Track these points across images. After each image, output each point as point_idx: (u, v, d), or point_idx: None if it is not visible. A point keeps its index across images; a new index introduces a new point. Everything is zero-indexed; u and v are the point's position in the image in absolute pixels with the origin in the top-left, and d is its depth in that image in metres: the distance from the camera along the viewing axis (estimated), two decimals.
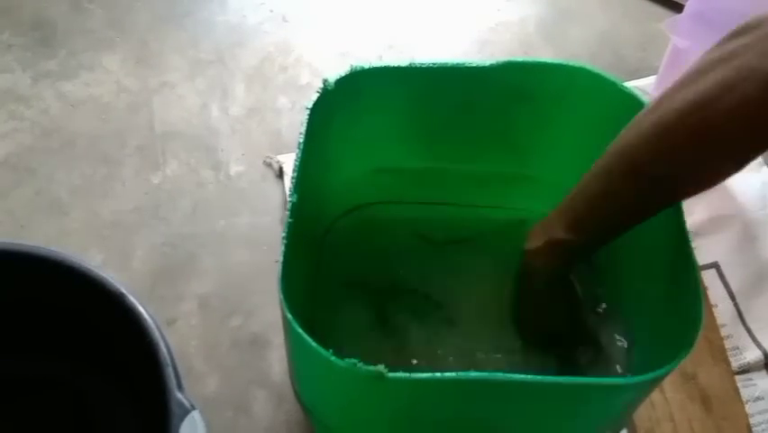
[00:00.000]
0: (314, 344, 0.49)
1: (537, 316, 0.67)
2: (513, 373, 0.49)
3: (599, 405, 0.55)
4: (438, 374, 0.48)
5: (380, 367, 0.48)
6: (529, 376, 0.49)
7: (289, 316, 0.50)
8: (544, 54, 1.02)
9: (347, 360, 0.48)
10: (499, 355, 0.70)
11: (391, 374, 0.48)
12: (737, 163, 0.49)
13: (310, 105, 0.61)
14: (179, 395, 0.50)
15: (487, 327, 0.72)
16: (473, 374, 0.48)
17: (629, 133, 0.52)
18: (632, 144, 0.52)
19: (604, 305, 0.72)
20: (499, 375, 0.49)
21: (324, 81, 0.62)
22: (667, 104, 0.49)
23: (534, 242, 0.61)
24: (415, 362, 0.70)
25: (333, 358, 0.48)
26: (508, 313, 0.69)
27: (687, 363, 0.74)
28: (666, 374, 0.50)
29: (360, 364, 0.48)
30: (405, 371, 0.48)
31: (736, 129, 0.46)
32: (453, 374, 0.48)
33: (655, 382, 0.53)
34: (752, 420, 0.72)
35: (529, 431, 0.59)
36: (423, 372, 0.49)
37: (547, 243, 0.60)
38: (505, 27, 1.06)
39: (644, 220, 0.55)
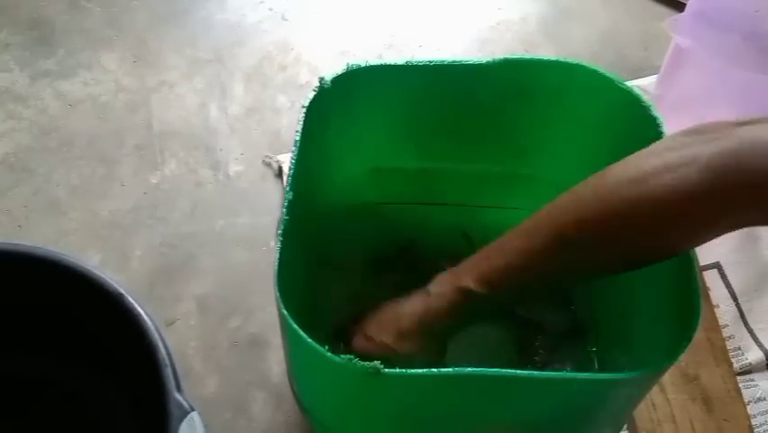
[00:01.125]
0: (309, 340, 0.49)
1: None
2: (509, 369, 0.49)
3: (598, 401, 0.55)
4: (434, 370, 0.48)
5: (376, 363, 0.48)
6: (526, 372, 0.48)
7: (285, 312, 0.50)
8: (546, 53, 1.02)
9: (343, 356, 0.48)
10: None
11: (387, 370, 0.48)
12: (657, 252, 0.49)
13: (306, 104, 0.61)
14: (178, 396, 0.50)
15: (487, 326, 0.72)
16: (469, 370, 0.48)
17: (563, 197, 0.52)
18: (563, 207, 0.52)
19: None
20: (496, 371, 0.49)
21: (321, 80, 0.62)
22: (609, 175, 0.50)
23: (440, 286, 0.58)
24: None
25: (329, 354, 0.48)
26: None
27: (688, 363, 0.74)
28: (664, 370, 0.50)
29: (356, 361, 0.48)
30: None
31: (669, 207, 0.46)
32: (450, 370, 0.48)
33: (653, 378, 0.53)
34: (753, 421, 0.72)
35: (527, 428, 0.58)
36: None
37: (454, 289, 0.57)
38: (506, 26, 1.06)
39: (557, 286, 0.55)
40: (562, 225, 0.51)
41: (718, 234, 0.47)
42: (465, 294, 0.56)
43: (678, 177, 0.45)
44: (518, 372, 0.48)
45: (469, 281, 0.56)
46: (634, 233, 0.48)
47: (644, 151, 0.49)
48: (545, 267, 0.53)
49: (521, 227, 0.54)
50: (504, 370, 0.49)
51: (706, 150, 0.44)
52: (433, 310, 0.58)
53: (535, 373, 0.48)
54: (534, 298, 0.56)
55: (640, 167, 0.48)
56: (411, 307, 0.60)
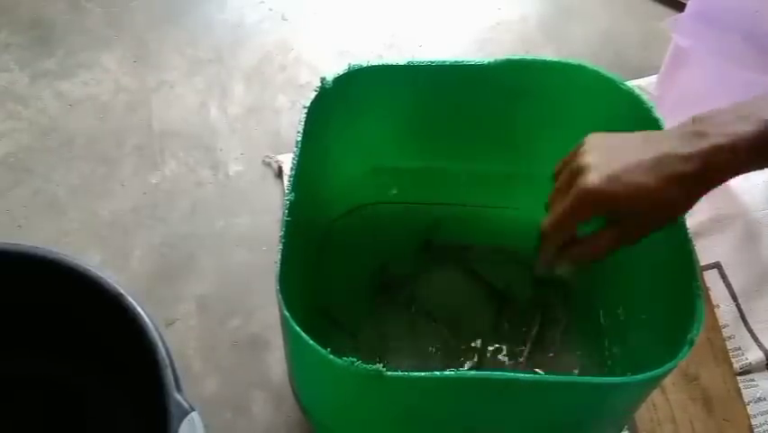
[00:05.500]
0: (311, 342, 0.49)
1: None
2: (510, 371, 0.49)
3: (599, 405, 0.55)
4: (437, 373, 0.48)
5: (378, 366, 0.48)
6: (528, 375, 0.49)
7: (287, 314, 0.50)
8: (546, 53, 1.02)
9: (345, 358, 0.48)
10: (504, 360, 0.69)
11: (389, 373, 0.48)
12: None
13: (308, 104, 0.61)
14: (178, 396, 0.50)
15: (489, 326, 0.72)
16: (471, 373, 0.48)
17: None
18: None
19: None
20: (497, 374, 0.49)
21: (322, 80, 0.62)
22: None
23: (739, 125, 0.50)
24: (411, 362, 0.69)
25: (330, 357, 0.48)
26: None
27: (689, 364, 0.74)
28: (666, 373, 0.50)
29: (357, 363, 0.48)
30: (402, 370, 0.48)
31: None
32: (452, 373, 0.48)
33: (655, 382, 0.53)
34: (754, 421, 0.72)
35: (528, 431, 0.58)
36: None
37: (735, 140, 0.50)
38: (505, 26, 1.06)
39: None
40: None
41: None
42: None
43: None
44: (520, 375, 0.48)
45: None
46: None
47: None
48: None
49: None
50: (506, 373, 0.49)
51: None
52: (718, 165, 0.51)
53: (538, 376, 0.48)
54: None
55: None
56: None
